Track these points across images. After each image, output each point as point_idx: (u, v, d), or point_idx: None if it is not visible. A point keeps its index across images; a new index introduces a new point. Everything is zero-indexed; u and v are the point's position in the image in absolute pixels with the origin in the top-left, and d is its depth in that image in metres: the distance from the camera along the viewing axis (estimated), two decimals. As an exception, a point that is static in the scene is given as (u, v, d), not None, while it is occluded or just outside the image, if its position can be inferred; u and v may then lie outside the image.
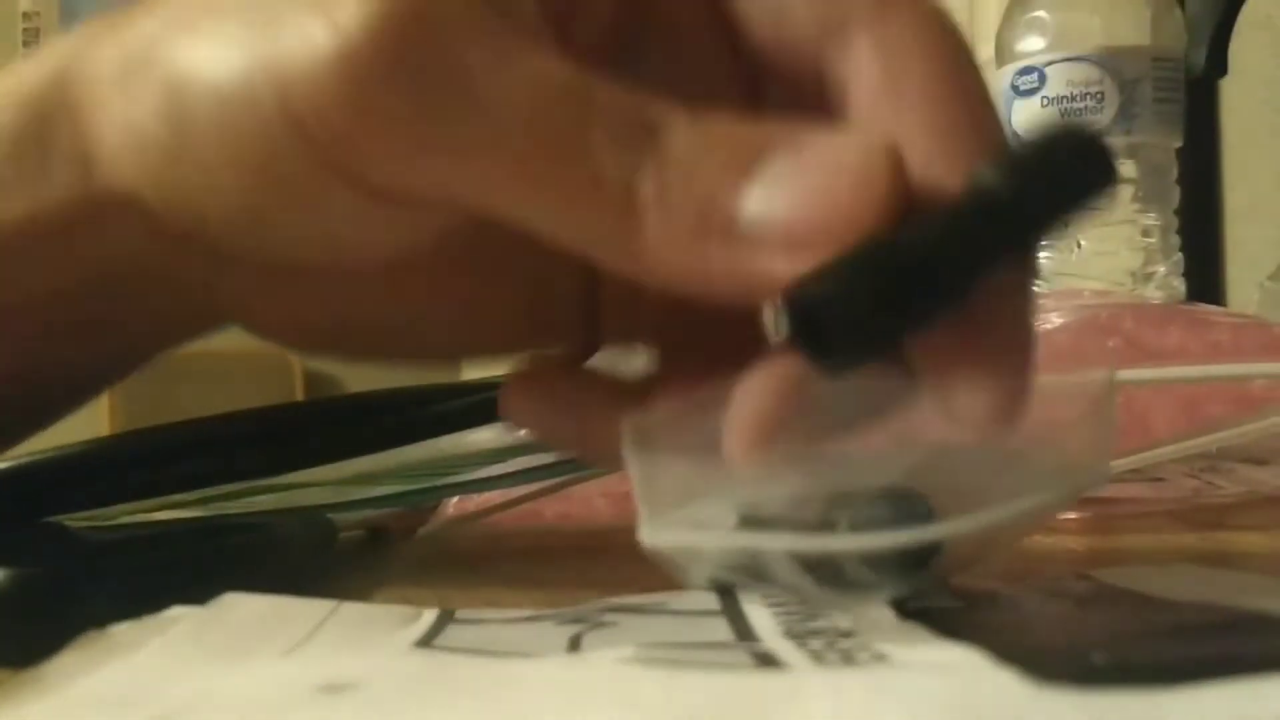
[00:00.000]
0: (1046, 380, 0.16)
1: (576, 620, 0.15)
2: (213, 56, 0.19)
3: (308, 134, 0.18)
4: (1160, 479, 0.37)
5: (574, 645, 0.14)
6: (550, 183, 0.17)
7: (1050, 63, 0.47)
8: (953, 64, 0.18)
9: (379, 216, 0.19)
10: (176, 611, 0.15)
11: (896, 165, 0.16)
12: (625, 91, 0.17)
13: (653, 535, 0.16)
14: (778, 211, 0.16)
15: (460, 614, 0.16)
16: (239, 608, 0.16)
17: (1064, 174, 0.16)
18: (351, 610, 0.16)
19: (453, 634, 0.15)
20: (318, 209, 0.19)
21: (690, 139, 0.17)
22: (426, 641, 0.14)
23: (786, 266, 0.15)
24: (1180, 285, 0.49)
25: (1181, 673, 0.11)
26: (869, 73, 0.18)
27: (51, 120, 0.22)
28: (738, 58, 0.20)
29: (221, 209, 0.20)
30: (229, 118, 0.18)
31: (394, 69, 0.17)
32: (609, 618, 0.16)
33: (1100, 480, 0.16)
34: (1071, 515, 0.35)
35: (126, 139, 0.20)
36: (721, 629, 0.15)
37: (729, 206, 0.16)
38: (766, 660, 0.13)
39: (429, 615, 0.16)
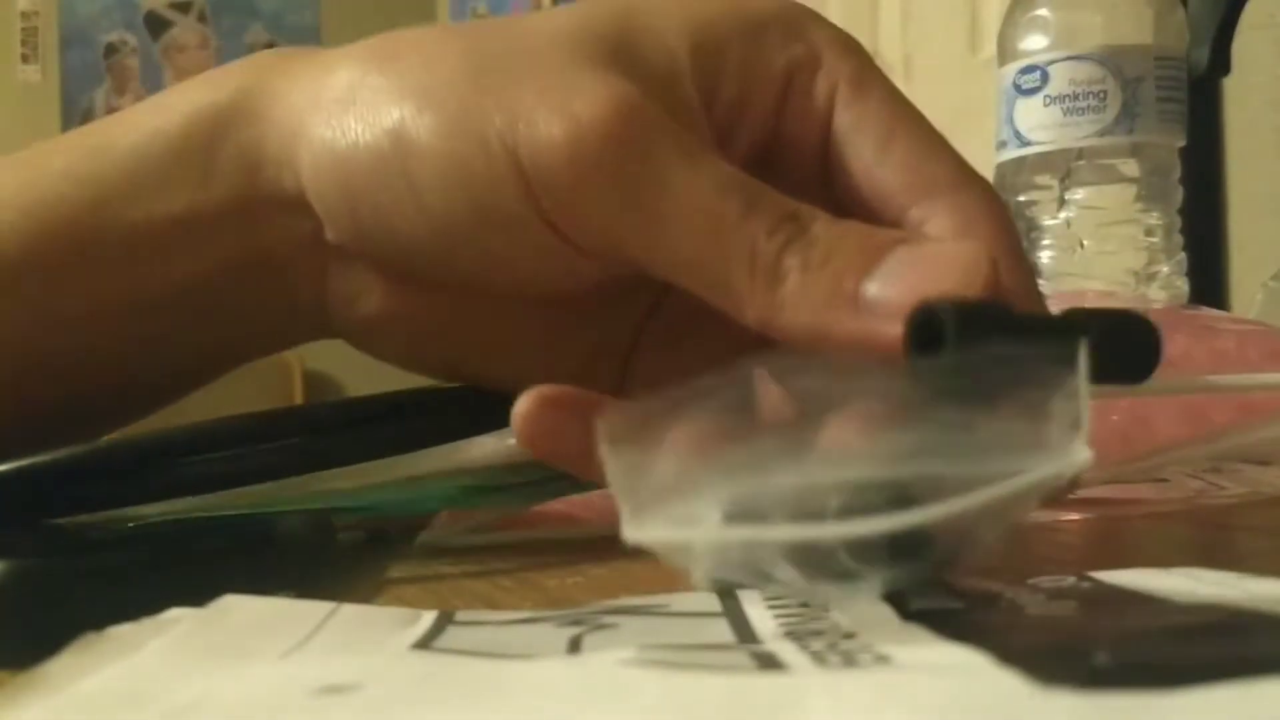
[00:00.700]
0: (1019, 355, 0.16)
1: (576, 622, 0.15)
2: (447, 117, 0.23)
3: (532, 192, 0.23)
4: (1163, 479, 0.36)
5: (574, 647, 0.14)
6: (717, 255, 0.21)
7: (1053, 61, 0.47)
8: (1007, 224, 0.24)
9: (566, 258, 0.24)
10: (176, 613, 0.15)
11: (994, 265, 0.20)
12: (774, 191, 0.22)
13: (636, 531, 0.16)
14: (895, 291, 0.20)
15: (460, 616, 0.16)
16: (238, 609, 0.16)
17: (1121, 346, 0.20)
18: (350, 612, 0.16)
19: (452, 636, 0.15)
20: (520, 243, 0.24)
21: (830, 232, 0.21)
22: (426, 643, 0.14)
23: (894, 331, 0.19)
24: (1184, 285, 0.49)
25: (1184, 674, 0.11)
26: (949, 222, 0.23)
27: (227, 127, 0.26)
28: (830, 194, 0.25)
29: (424, 227, 0.24)
30: (458, 165, 0.23)
31: (611, 157, 0.22)
32: (609, 619, 0.16)
33: (1081, 463, 0.16)
34: (1074, 516, 0.35)
35: (321, 155, 0.25)
36: (723, 630, 0.15)
37: (856, 284, 0.20)
38: (767, 662, 0.13)
39: (428, 617, 0.16)
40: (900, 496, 0.15)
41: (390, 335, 0.28)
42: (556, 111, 0.22)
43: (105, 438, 0.33)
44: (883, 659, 0.13)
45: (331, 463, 0.33)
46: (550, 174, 0.22)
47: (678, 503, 0.16)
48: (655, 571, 0.20)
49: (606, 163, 0.22)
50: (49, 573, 0.23)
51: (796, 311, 0.21)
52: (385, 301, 0.27)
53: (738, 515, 0.15)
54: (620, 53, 0.24)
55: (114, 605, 0.16)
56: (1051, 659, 0.12)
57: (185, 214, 0.27)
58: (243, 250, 0.27)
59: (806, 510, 0.15)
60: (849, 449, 0.16)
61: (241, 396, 0.40)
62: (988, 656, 0.12)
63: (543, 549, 0.34)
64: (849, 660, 0.13)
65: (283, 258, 0.27)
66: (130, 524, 0.30)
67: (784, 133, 0.26)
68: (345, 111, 0.25)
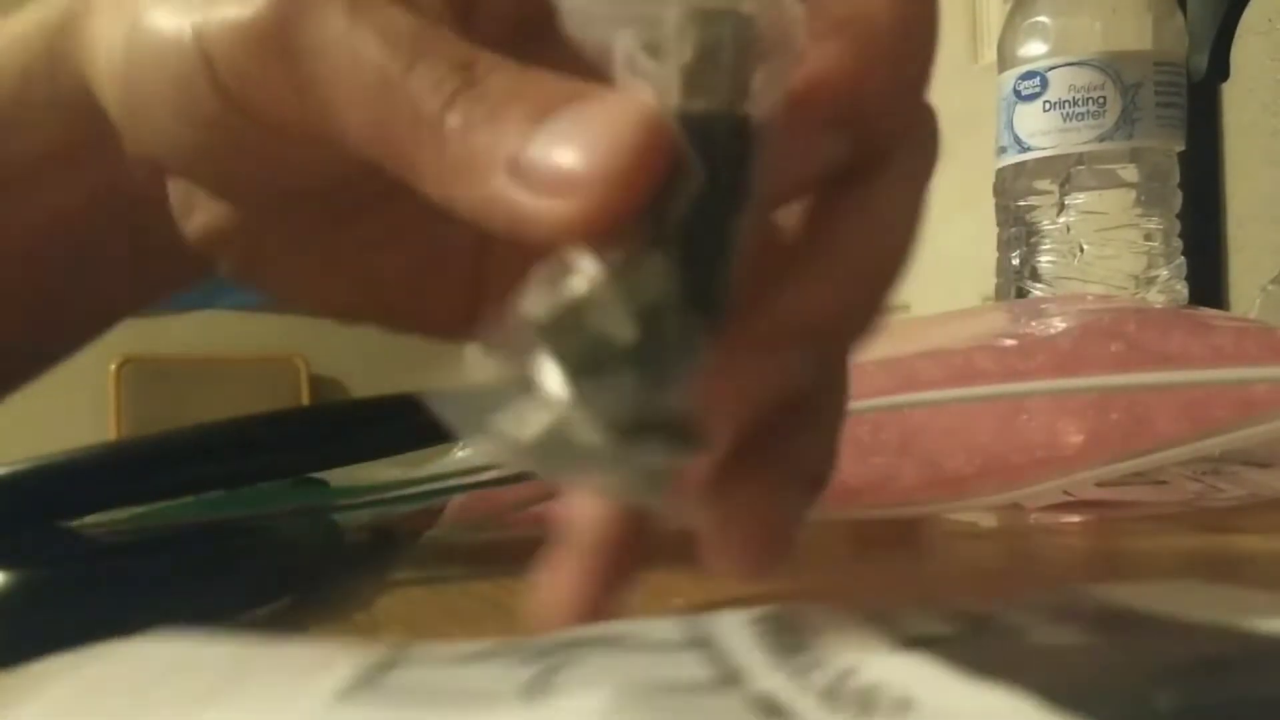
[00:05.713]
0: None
1: (540, 654, 0.14)
2: (161, 8, 0.22)
3: (220, 81, 0.21)
4: (1163, 482, 0.37)
5: (535, 688, 0.12)
6: (385, 117, 0.19)
7: (1052, 67, 0.47)
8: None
9: (282, 152, 0.22)
10: (49, 665, 0.13)
11: (650, 133, 0.16)
12: (453, 39, 0.19)
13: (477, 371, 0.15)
14: (555, 154, 0.17)
15: (405, 653, 0.14)
16: (123, 660, 0.14)
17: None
18: (266, 656, 0.14)
19: (394, 678, 0.13)
20: (231, 143, 0.23)
21: (505, 82, 0.18)
22: (353, 692, 0.12)
23: (551, 206, 0.16)
24: (1182, 289, 0.49)
25: (1257, 715, 0.10)
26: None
27: (60, 50, 0.25)
28: None
29: (158, 135, 0.23)
30: (163, 60, 0.22)
31: (279, 36, 0.20)
32: (575, 653, 0.14)
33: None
34: (1074, 518, 0.35)
35: (103, 60, 0.24)
36: (700, 663, 0.13)
37: (515, 146, 0.17)
38: (770, 709, 0.11)
39: (362, 657, 0.14)
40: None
41: (243, 261, 0.26)
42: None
43: (109, 441, 0.33)
44: (905, 704, 0.11)
45: (332, 463, 0.33)
46: (229, 53, 0.21)
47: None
48: (657, 571, 0.21)
49: (275, 38, 0.20)
50: (57, 575, 0.23)
51: (463, 180, 0.18)
52: (211, 219, 0.25)
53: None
54: None
55: (121, 608, 0.15)
56: (1106, 701, 0.11)
57: (41, 149, 0.26)
58: (99, 181, 0.26)
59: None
60: None
61: (247, 401, 0.40)
62: (1030, 699, 0.11)
63: (546, 549, 0.34)
64: (865, 704, 0.11)
65: (135, 185, 0.26)
66: (135, 525, 0.31)
67: None
68: (117, 9, 0.24)
